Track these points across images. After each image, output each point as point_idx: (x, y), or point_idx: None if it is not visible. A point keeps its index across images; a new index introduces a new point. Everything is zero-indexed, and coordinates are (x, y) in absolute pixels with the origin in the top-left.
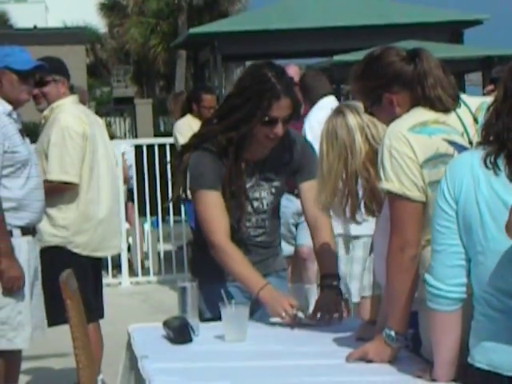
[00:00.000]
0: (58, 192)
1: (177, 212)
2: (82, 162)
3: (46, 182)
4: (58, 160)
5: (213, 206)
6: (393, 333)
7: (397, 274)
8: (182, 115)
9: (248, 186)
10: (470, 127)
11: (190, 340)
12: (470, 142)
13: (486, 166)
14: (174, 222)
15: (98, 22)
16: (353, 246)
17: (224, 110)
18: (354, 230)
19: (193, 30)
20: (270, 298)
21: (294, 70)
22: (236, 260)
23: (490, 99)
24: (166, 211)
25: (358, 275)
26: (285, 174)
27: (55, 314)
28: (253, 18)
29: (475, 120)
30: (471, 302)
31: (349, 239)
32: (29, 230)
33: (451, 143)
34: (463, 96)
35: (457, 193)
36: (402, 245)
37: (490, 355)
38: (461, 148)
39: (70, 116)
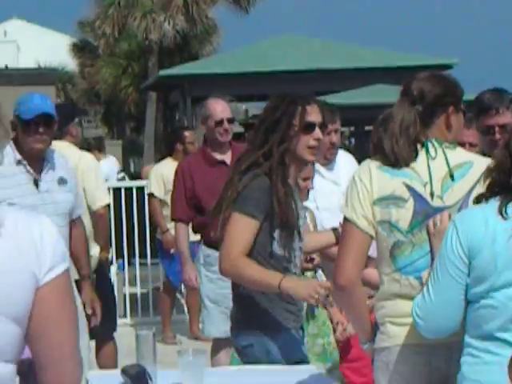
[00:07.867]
0: None
1: (143, 255)
2: None
3: None
4: None
5: (246, 231)
6: (367, 344)
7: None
8: (161, 158)
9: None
10: (437, 180)
11: None
12: (432, 194)
13: (503, 217)
14: (141, 264)
15: (71, 62)
16: None
17: (259, 138)
18: None
19: (163, 72)
20: (294, 285)
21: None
22: (250, 267)
23: (476, 160)
24: (132, 254)
25: None
26: None
27: None
28: (223, 61)
29: (451, 176)
30: None
31: None
32: None
33: (409, 188)
34: (448, 150)
35: (471, 250)
36: (337, 271)
37: None
38: (417, 196)
39: None
